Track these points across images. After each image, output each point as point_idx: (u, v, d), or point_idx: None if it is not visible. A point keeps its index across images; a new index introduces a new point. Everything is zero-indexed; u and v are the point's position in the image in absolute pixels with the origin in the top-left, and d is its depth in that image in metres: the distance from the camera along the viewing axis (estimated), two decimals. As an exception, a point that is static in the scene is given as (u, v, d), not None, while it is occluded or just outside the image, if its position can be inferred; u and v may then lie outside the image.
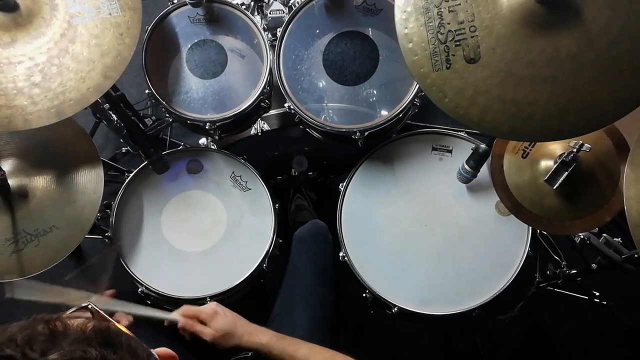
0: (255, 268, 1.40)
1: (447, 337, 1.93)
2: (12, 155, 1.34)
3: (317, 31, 1.40)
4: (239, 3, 1.55)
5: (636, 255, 1.34)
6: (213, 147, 1.59)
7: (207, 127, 1.41)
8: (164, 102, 1.39)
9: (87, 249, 2.03)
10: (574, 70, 0.90)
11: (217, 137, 1.48)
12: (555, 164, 1.14)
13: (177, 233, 1.44)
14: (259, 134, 1.59)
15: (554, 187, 1.15)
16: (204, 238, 1.44)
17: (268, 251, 1.42)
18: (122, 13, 1.14)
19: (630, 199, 0.97)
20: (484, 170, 1.34)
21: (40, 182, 1.32)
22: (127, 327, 0.88)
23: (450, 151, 1.45)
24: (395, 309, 1.35)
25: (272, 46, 1.42)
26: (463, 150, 1.42)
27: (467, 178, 1.35)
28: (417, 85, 1.34)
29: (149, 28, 1.40)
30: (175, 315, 1.05)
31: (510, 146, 1.25)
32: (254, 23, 1.42)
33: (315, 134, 1.51)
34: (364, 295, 1.42)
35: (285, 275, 1.45)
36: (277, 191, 1.83)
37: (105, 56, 1.12)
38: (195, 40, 1.42)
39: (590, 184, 1.19)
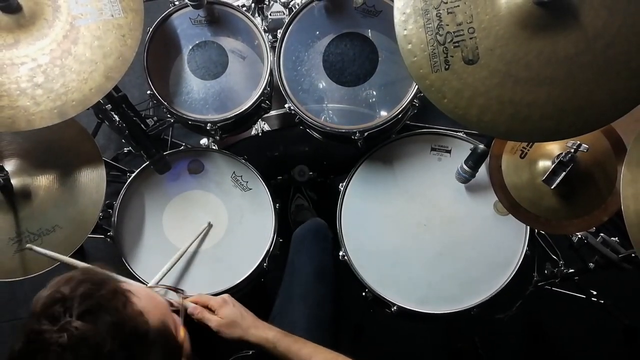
0: (256, 267, 1.40)
1: (446, 335, 1.93)
2: (15, 155, 1.34)
3: (317, 32, 1.40)
4: (240, 5, 1.55)
5: (633, 255, 1.34)
6: (214, 147, 1.60)
7: (208, 128, 1.41)
8: (165, 103, 1.39)
9: (89, 248, 2.04)
10: (571, 72, 0.90)
11: (218, 137, 1.48)
12: (553, 164, 1.15)
13: (179, 232, 1.44)
14: (260, 134, 1.59)
15: (552, 187, 1.15)
16: (204, 238, 1.44)
17: (268, 250, 1.43)
18: (124, 15, 1.14)
19: (627, 198, 0.98)
20: (483, 170, 1.34)
21: (43, 182, 1.33)
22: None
23: (449, 151, 1.45)
24: (395, 308, 1.35)
25: (273, 47, 1.42)
26: (462, 150, 1.42)
27: (466, 178, 1.35)
28: (416, 86, 1.34)
29: (151, 29, 1.40)
30: (187, 302, 1.04)
31: (509, 146, 1.25)
32: (255, 24, 1.43)
33: (316, 135, 1.52)
34: (364, 294, 1.42)
35: (284, 274, 1.44)
36: (278, 191, 1.83)
37: (107, 57, 1.12)
38: (197, 42, 1.43)
39: (588, 184, 1.19)
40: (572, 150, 1.11)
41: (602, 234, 1.41)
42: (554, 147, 1.21)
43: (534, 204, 1.22)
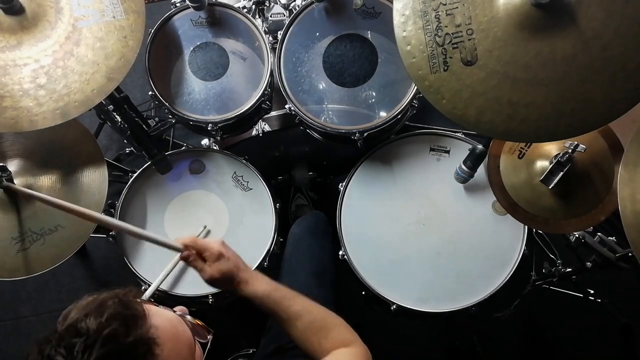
0: (257, 266, 1.40)
1: (445, 334, 1.93)
2: (18, 155, 1.34)
3: (317, 34, 1.40)
4: (241, 6, 1.55)
5: (630, 254, 1.34)
6: (215, 147, 1.60)
7: (209, 128, 1.41)
8: (167, 104, 1.39)
9: (91, 248, 2.04)
10: (569, 73, 0.90)
11: (219, 138, 1.48)
12: (550, 164, 1.15)
13: (180, 232, 1.44)
14: (260, 134, 1.59)
15: (550, 187, 1.15)
16: (205, 237, 1.44)
17: (269, 250, 1.43)
18: (126, 16, 1.14)
19: (624, 198, 0.98)
20: (481, 170, 1.34)
21: (46, 182, 1.33)
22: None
23: (447, 152, 1.45)
24: (394, 307, 1.35)
25: (273, 49, 1.42)
26: (460, 150, 1.42)
27: (465, 178, 1.35)
28: (415, 87, 1.34)
29: (152, 31, 1.40)
30: (180, 245, 0.99)
31: (507, 147, 1.25)
32: (255, 26, 1.43)
33: (316, 135, 1.52)
34: (363, 292, 1.42)
35: (281, 275, 1.41)
36: (278, 191, 1.83)
37: (109, 58, 1.12)
38: (198, 43, 1.43)
39: (585, 184, 1.19)
40: (570, 151, 1.11)
41: (599, 234, 1.41)
42: (552, 148, 1.21)
43: (532, 204, 1.22)
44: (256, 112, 1.49)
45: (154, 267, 1.40)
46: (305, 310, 0.97)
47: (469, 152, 1.31)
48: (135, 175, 1.47)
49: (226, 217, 1.46)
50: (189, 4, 1.37)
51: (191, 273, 1.41)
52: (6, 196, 1.27)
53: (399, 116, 1.39)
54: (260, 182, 1.49)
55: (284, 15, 1.56)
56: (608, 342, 1.89)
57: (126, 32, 1.14)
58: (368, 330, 1.90)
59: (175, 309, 0.92)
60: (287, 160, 1.84)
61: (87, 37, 1.12)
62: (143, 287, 1.38)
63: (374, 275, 1.38)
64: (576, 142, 1.11)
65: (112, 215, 1.45)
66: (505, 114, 0.94)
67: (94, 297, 0.69)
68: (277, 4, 1.59)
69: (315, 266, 1.39)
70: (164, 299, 1.40)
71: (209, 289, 1.37)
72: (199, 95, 1.42)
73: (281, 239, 1.51)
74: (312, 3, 1.39)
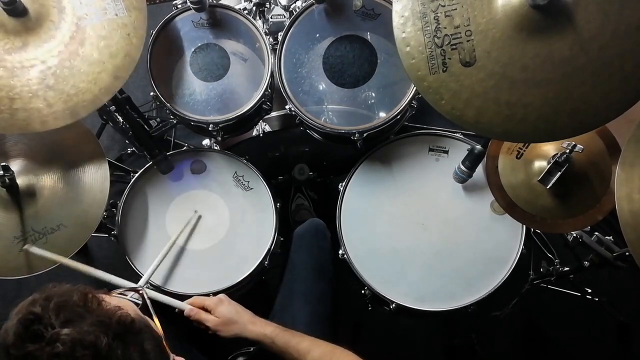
0: (257, 265, 1.40)
1: (444, 332, 1.93)
2: (21, 155, 1.34)
3: (317, 35, 1.40)
4: (242, 8, 1.55)
5: (627, 253, 1.34)
6: (216, 148, 1.60)
7: (210, 129, 1.41)
8: (168, 104, 1.39)
9: (93, 247, 2.04)
10: (566, 74, 0.90)
11: (220, 138, 1.48)
12: (548, 164, 1.15)
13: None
14: (261, 135, 1.59)
15: (548, 187, 1.16)
16: (207, 236, 1.44)
17: (269, 249, 1.43)
18: (128, 13, 1.14)
19: (621, 198, 0.98)
20: (480, 170, 1.34)
21: (48, 182, 1.33)
22: None
23: (446, 152, 1.45)
24: (393, 305, 1.35)
25: (274, 50, 1.42)
26: (459, 151, 1.42)
27: (463, 178, 1.35)
28: (415, 88, 1.34)
29: (154, 32, 1.40)
30: (184, 304, 1.05)
31: (505, 147, 1.25)
32: (256, 27, 1.43)
33: (316, 135, 1.52)
34: (363, 291, 1.42)
35: (285, 272, 1.45)
36: (278, 191, 1.83)
37: (114, 57, 1.12)
38: (199, 44, 1.43)
39: (583, 184, 1.19)
40: (568, 151, 1.12)
41: (596, 233, 1.42)
42: (550, 148, 1.21)
43: (530, 204, 1.23)
44: (257, 113, 1.49)
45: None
46: (314, 345, 1.01)
47: (467, 152, 1.31)
48: (137, 175, 1.47)
49: (227, 217, 1.46)
50: (190, 5, 1.37)
51: (194, 272, 1.41)
52: (8, 195, 1.27)
53: (398, 117, 1.39)
54: (260, 182, 1.49)
55: (285, 17, 1.56)
56: (605, 341, 1.89)
57: (129, 29, 1.14)
58: (367, 329, 1.91)
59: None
60: (288, 161, 1.84)
61: (91, 36, 1.12)
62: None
63: (373, 274, 1.38)
64: (574, 143, 1.11)
65: (114, 215, 1.45)
66: (504, 115, 0.94)
67: (18, 306, 0.66)
68: (277, 5, 1.59)
69: (315, 262, 1.41)
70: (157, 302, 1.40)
71: (209, 288, 1.37)
72: (200, 96, 1.42)
73: (281, 238, 1.51)
74: (312, 5, 1.39)
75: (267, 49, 1.41)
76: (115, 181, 1.70)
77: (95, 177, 1.34)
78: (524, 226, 1.37)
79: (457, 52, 0.94)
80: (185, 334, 1.14)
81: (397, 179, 1.46)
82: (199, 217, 1.45)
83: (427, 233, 1.41)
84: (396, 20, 0.97)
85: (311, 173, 1.87)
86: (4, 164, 1.21)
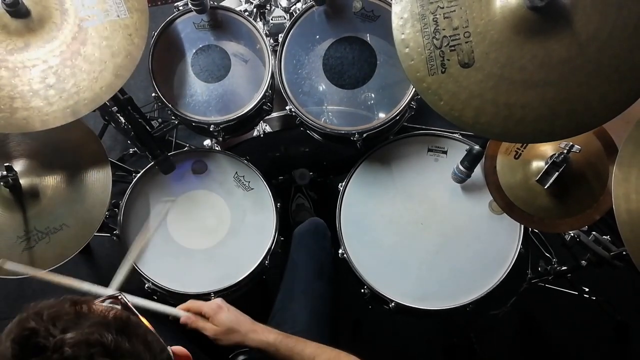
0: (258, 264, 1.40)
1: (443, 331, 1.93)
2: (24, 155, 1.34)
3: (317, 37, 1.40)
4: (242, 10, 1.55)
5: (624, 252, 1.34)
6: (217, 148, 1.60)
7: (211, 129, 1.41)
8: (169, 105, 1.39)
9: (95, 246, 2.04)
10: (564, 75, 0.90)
11: (221, 138, 1.48)
12: (546, 164, 1.15)
13: (183, 231, 1.44)
14: (261, 135, 1.59)
15: (545, 187, 1.16)
16: (208, 236, 1.44)
17: (270, 248, 1.43)
18: (130, 15, 1.14)
19: (618, 198, 0.98)
20: (478, 170, 1.34)
21: (51, 182, 1.33)
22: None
23: (445, 152, 1.45)
24: (393, 304, 1.35)
25: (274, 51, 1.42)
26: (458, 151, 1.42)
27: (462, 178, 1.35)
28: (414, 89, 1.34)
29: (155, 34, 1.40)
30: (179, 311, 1.01)
31: (503, 147, 1.25)
32: (257, 29, 1.43)
33: (316, 136, 1.52)
34: (363, 290, 1.42)
35: (285, 271, 1.44)
36: (279, 191, 1.83)
37: (115, 56, 1.12)
38: (200, 46, 1.43)
39: (580, 184, 1.19)
40: (565, 151, 1.12)
41: (594, 233, 1.41)
42: (548, 148, 1.21)
43: (528, 203, 1.23)
44: (257, 114, 1.49)
45: (157, 266, 1.40)
46: (320, 350, 0.98)
47: (466, 152, 1.31)
48: (138, 175, 1.47)
49: (228, 217, 1.46)
50: (192, 7, 1.37)
51: (195, 271, 1.41)
52: (11, 195, 1.27)
53: (398, 117, 1.39)
54: (261, 182, 1.49)
55: (285, 19, 1.56)
56: (603, 339, 1.89)
57: (131, 30, 1.14)
58: (367, 328, 1.91)
59: None
60: (288, 161, 1.84)
61: (93, 36, 1.12)
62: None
63: (372, 274, 1.38)
64: (571, 143, 1.11)
65: (116, 215, 1.45)
66: (502, 115, 0.94)
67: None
68: (278, 7, 1.59)
69: (315, 262, 1.41)
70: (167, 297, 1.41)
71: (210, 287, 1.37)
72: (201, 97, 1.42)
73: (282, 238, 1.51)
74: (312, 6, 1.39)
75: (267, 51, 1.41)
76: (117, 181, 1.69)
77: (98, 178, 1.34)
78: (522, 226, 1.37)
79: (456, 54, 0.94)
80: (183, 331, 1.13)
81: (397, 179, 1.46)
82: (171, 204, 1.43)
83: (426, 233, 1.41)
84: (395, 22, 0.97)
85: (311, 173, 1.87)
86: (7, 164, 1.21)
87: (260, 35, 1.42)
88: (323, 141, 1.52)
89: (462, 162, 1.33)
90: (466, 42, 0.94)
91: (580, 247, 1.44)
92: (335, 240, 1.44)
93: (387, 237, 1.42)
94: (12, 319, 0.64)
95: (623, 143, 1.01)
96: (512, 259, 1.36)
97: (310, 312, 1.30)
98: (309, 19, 1.40)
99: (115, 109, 1.36)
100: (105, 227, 1.44)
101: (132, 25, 1.14)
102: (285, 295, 1.39)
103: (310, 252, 1.43)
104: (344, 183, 1.46)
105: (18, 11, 1.08)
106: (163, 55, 1.41)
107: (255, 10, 1.61)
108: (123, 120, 1.40)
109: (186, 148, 1.59)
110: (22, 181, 1.28)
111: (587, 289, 1.77)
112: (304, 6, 1.41)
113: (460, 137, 1.44)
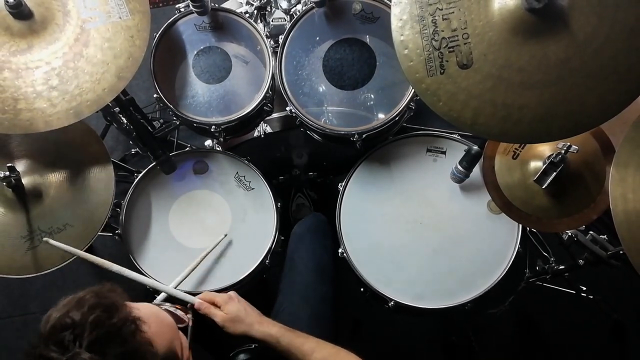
0: (259, 264, 1.40)
1: (442, 329, 1.93)
2: (26, 155, 1.34)
3: (317, 38, 1.40)
4: (243, 12, 1.55)
5: (621, 252, 1.34)
6: (218, 148, 1.60)
7: (212, 130, 1.41)
8: (171, 106, 1.39)
9: (98, 246, 2.04)
10: (562, 76, 0.90)
11: (222, 139, 1.48)
12: (544, 164, 1.15)
13: (184, 230, 1.44)
14: (262, 136, 1.59)
15: (543, 187, 1.16)
16: (209, 235, 1.44)
17: (271, 248, 1.43)
18: (132, 17, 1.14)
19: (615, 198, 0.98)
20: (476, 170, 1.34)
21: (54, 182, 1.33)
22: None
23: (444, 152, 1.45)
24: (392, 303, 1.35)
25: (275, 52, 1.42)
26: (456, 151, 1.42)
27: (460, 178, 1.35)
28: (413, 90, 1.34)
29: (157, 35, 1.40)
30: (195, 298, 1.06)
31: (501, 148, 1.25)
32: (257, 30, 1.43)
33: (316, 136, 1.52)
34: (362, 289, 1.42)
35: (284, 272, 1.44)
36: (279, 190, 1.83)
37: (118, 58, 1.12)
38: (201, 47, 1.43)
39: (578, 184, 1.19)
40: (563, 152, 1.12)
41: (591, 232, 1.41)
42: (545, 148, 1.21)
43: (526, 203, 1.23)
44: (258, 114, 1.49)
45: (159, 265, 1.40)
46: (319, 346, 1.01)
47: (464, 152, 1.31)
48: (140, 175, 1.47)
49: (229, 216, 1.46)
50: (193, 9, 1.37)
51: (197, 270, 1.41)
52: (15, 195, 1.27)
53: (397, 118, 1.39)
54: (262, 182, 1.49)
55: (285, 20, 1.56)
56: (599, 337, 1.89)
57: (132, 31, 1.14)
58: (367, 326, 1.91)
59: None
60: (288, 161, 1.84)
61: (95, 38, 1.12)
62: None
63: (372, 273, 1.38)
64: (569, 143, 1.11)
65: (118, 214, 1.45)
66: (500, 116, 0.94)
67: (70, 297, 0.70)
68: (278, 9, 1.59)
69: (316, 263, 1.40)
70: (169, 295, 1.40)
71: (212, 286, 1.37)
72: (202, 98, 1.42)
73: (282, 237, 1.51)
74: (312, 8, 1.39)
75: (268, 52, 1.41)
76: (120, 181, 1.69)
77: (100, 178, 1.34)
78: (520, 225, 1.37)
79: (455, 55, 0.94)
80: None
81: (396, 179, 1.46)
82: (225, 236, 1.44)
83: (425, 232, 1.41)
84: (395, 24, 0.97)
85: (311, 173, 1.87)
86: (9, 164, 1.21)
87: (261, 36, 1.42)
88: (323, 141, 1.52)
89: (460, 162, 1.33)
90: (465, 44, 0.94)
91: (577, 247, 1.44)
92: (334, 239, 1.44)
93: (387, 236, 1.42)
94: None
95: (620, 143, 1.00)
96: (510, 258, 1.36)
97: (311, 315, 1.30)
98: (309, 21, 1.40)
99: (117, 109, 1.36)
100: (107, 227, 1.43)
101: (134, 26, 1.14)
102: (286, 295, 1.39)
103: (311, 252, 1.43)
104: (343, 183, 1.46)
105: (21, 13, 1.08)
106: (165, 56, 1.41)
107: (255, 12, 1.61)
108: (125, 121, 1.40)
109: (187, 148, 1.59)
110: (25, 181, 1.28)
111: (584, 288, 1.77)
112: (304, 8, 1.41)
113: (458, 137, 1.44)
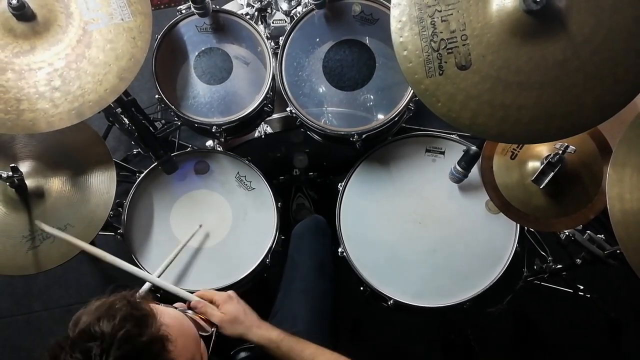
0: (259, 263, 1.40)
1: (440, 328, 1.93)
2: (30, 157, 1.34)
3: (317, 39, 1.40)
4: (244, 13, 1.55)
5: (618, 251, 1.34)
6: (219, 149, 1.59)
7: (213, 130, 1.41)
8: (173, 107, 1.39)
9: (100, 245, 2.03)
10: (559, 77, 0.90)
11: (223, 139, 1.48)
12: (542, 164, 1.15)
13: (186, 230, 1.44)
14: (263, 136, 1.59)
15: (541, 187, 1.16)
16: (210, 235, 1.44)
17: (271, 247, 1.43)
18: (134, 18, 1.14)
19: (612, 198, 0.98)
20: (475, 170, 1.34)
21: (56, 183, 1.33)
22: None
23: (442, 153, 1.45)
24: (391, 302, 1.35)
25: (275, 54, 1.42)
26: (455, 151, 1.42)
27: (459, 178, 1.35)
28: (412, 91, 1.34)
29: (159, 37, 1.40)
30: (192, 296, 1.03)
31: (500, 148, 1.25)
32: (258, 32, 1.43)
33: (316, 137, 1.52)
34: (362, 288, 1.42)
35: (285, 270, 1.44)
36: (280, 190, 1.82)
37: (120, 59, 1.12)
38: (203, 48, 1.43)
39: (575, 184, 1.19)
40: (560, 152, 1.12)
41: (588, 232, 1.41)
42: (543, 149, 1.21)
43: (524, 203, 1.22)
44: (258, 115, 1.49)
45: (159, 263, 1.39)
46: (319, 352, 0.99)
47: (463, 153, 1.31)
48: (142, 175, 1.47)
49: (230, 216, 1.46)
50: (194, 10, 1.37)
51: (197, 269, 1.41)
52: (17, 195, 1.27)
53: (396, 118, 1.39)
54: (262, 182, 1.49)
55: (285, 22, 1.56)
56: (596, 336, 1.89)
57: (134, 33, 1.14)
58: (366, 325, 1.91)
59: (175, 305, 0.93)
60: (288, 161, 1.84)
61: (97, 39, 1.12)
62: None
63: (371, 272, 1.38)
64: (566, 144, 1.11)
65: (120, 214, 1.45)
66: (498, 117, 0.94)
67: (102, 300, 0.69)
68: (278, 10, 1.59)
69: (316, 261, 1.40)
70: (170, 295, 1.40)
71: (212, 285, 1.37)
72: (203, 99, 1.42)
73: (282, 237, 1.51)
74: (312, 10, 1.39)
75: (268, 53, 1.41)
76: (121, 181, 1.69)
77: (102, 178, 1.34)
78: (518, 225, 1.37)
79: (453, 56, 0.94)
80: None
81: (395, 179, 1.46)
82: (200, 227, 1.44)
83: (424, 232, 1.41)
84: (394, 25, 0.97)
85: (311, 173, 1.86)
86: (13, 165, 1.21)
87: (262, 38, 1.42)
88: (323, 142, 1.52)
89: (459, 163, 1.32)
90: (463, 45, 0.94)
91: (575, 246, 1.44)
92: (334, 239, 1.44)
93: (386, 236, 1.42)
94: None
95: (617, 144, 1.00)
96: (508, 257, 1.36)
97: (311, 311, 1.30)
98: (309, 22, 1.40)
99: (119, 110, 1.36)
100: (109, 227, 1.44)
101: (136, 28, 1.14)
102: (286, 294, 1.39)
103: (311, 251, 1.43)
104: (343, 183, 1.46)
105: (24, 14, 1.08)
106: (166, 57, 1.41)
107: (256, 13, 1.61)
108: (127, 122, 1.40)
109: (189, 149, 1.59)
110: (28, 182, 1.28)
111: (581, 287, 1.77)
112: (304, 9, 1.41)
113: (457, 137, 1.44)
